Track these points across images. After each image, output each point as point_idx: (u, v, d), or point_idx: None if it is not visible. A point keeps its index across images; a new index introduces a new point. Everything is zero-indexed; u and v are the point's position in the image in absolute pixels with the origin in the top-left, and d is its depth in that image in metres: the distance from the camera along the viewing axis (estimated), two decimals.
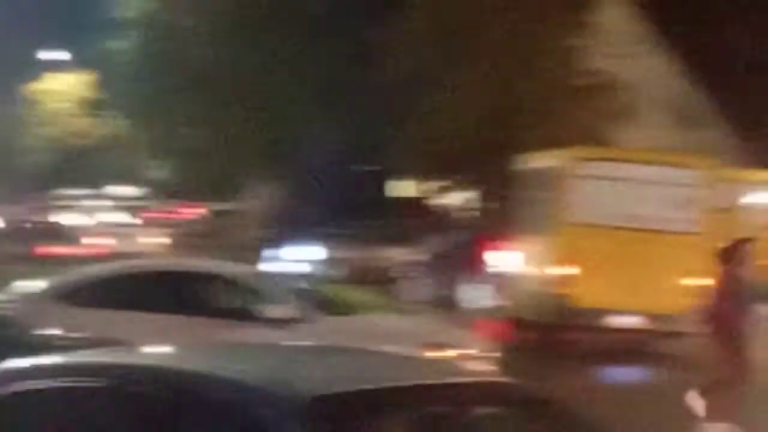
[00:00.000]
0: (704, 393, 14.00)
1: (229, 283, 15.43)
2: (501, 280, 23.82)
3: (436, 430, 5.51)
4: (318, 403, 4.90)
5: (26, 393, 5.57)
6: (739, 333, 14.04)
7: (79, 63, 50.14)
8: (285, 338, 12.76)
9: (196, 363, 5.94)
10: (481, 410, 5.82)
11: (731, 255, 14.61)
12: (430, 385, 5.83)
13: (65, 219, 40.48)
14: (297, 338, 13.00)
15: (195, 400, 5.21)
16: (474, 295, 23.48)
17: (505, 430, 5.82)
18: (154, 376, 5.57)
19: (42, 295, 14.94)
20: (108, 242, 36.36)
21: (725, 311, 14.08)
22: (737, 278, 14.21)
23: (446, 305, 22.28)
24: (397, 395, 5.47)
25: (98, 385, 5.46)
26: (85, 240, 36.89)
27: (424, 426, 5.50)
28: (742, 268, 14.37)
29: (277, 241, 30.16)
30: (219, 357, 6.51)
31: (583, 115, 34.20)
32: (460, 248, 25.90)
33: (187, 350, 7.37)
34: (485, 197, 29.83)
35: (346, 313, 15.55)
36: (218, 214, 35.15)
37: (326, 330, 13.66)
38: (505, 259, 24.18)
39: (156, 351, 6.78)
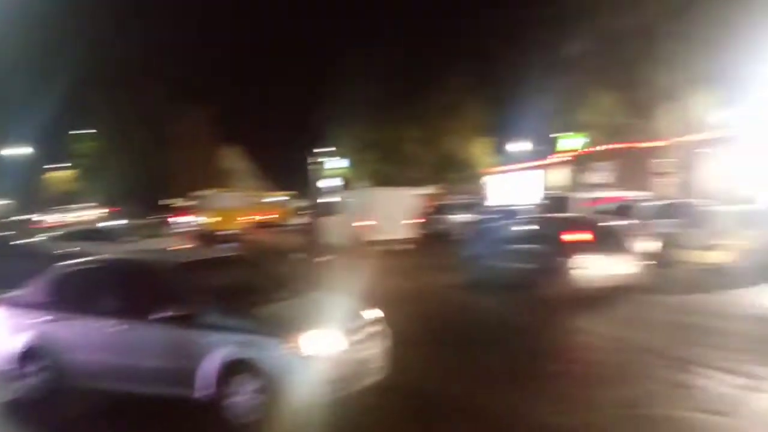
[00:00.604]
0: (302, 251, 15.45)
1: (108, 231, 16.42)
2: (190, 224, 27.31)
3: (224, 270, 5.92)
4: (184, 263, 5.71)
5: (92, 268, 5.77)
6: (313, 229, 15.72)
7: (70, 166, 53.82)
8: (133, 249, 12.25)
9: (144, 256, 6.46)
10: (234, 266, 6.23)
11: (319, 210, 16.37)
12: (219, 257, 6.39)
13: (47, 216, 37.78)
14: (139, 248, 12.83)
15: (147, 269, 5.81)
16: (176, 229, 25.29)
17: (248, 273, 6.01)
18: (123, 261, 5.94)
19: (56, 237, 16.21)
20: (63, 220, 34.22)
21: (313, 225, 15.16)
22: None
23: (170, 233, 22.48)
24: (205, 261, 6.11)
25: (122, 263, 5.91)
26: (50, 219, 36.00)
27: (219, 270, 5.90)
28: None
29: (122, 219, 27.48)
30: (150, 254, 7.07)
31: (224, 181, 43.99)
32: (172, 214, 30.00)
33: (142, 253, 7.76)
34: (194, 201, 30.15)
35: (150, 237, 16.11)
36: (112, 212, 35.91)
37: (147, 245, 13.97)
38: (189, 218, 28.78)
39: (131, 252, 7.18)
